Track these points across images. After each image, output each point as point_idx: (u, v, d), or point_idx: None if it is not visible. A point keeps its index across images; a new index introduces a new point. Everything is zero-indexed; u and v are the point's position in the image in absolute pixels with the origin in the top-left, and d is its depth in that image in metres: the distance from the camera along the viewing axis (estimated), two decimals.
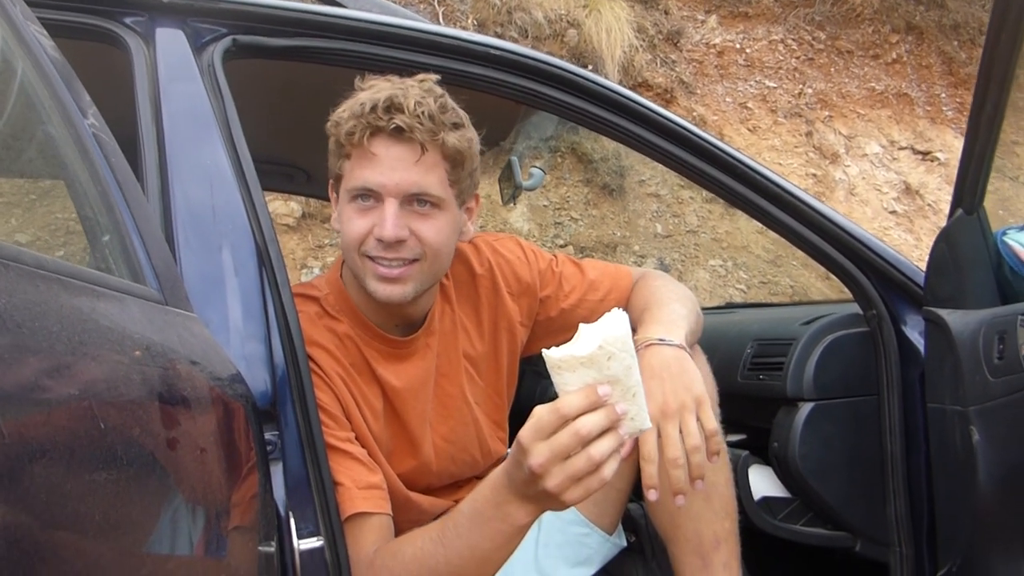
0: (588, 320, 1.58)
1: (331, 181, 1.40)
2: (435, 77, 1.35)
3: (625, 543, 1.62)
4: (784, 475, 1.76)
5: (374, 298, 1.34)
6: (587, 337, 1.01)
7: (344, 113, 1.30)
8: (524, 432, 1.01)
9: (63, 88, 1.01)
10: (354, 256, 1.33)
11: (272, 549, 1.05)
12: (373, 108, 1.26)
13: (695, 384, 1.25)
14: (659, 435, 1.20)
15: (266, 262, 1.21)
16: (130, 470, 0.70)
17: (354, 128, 1.27)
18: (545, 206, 6.10)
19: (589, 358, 0.99)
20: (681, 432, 1.20)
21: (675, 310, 1.43)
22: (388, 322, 1.42)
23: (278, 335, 1.17)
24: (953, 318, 1.45)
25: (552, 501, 1.03)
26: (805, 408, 1.69)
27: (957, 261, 1.50)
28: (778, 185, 1.61)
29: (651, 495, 1.18)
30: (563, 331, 1.56)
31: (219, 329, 1.13)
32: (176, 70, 1.30)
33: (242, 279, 1.19)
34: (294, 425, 1.15)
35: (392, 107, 1.26)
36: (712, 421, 1.23)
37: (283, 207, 5.29)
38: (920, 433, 1.60)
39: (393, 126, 1.26)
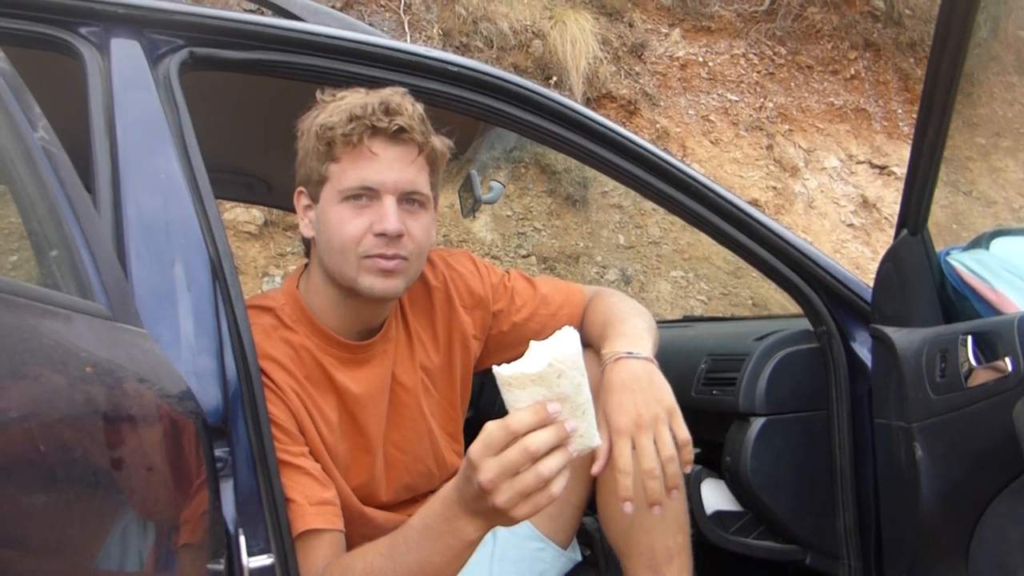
0: (540, 334, 1.59)
1: (303, 189, 1.41)
2: (404, 90, 1.39)
3: (580, 557, 1.63)
4: (736, 489, 1.78)
5: (368, 295, 1.35)
6: (538, 354, 1.02)
7: (334, 117, 1.32)
8: (474, 448, 1.02)
9: (12, 100, 0.99)
10: (348, 257, 1.34)
11: (221, 567, 1.05)
12: (372, 110, 1.31)
13: (665, 395, 1.29)
14: (633, 447, 1.23)
15: (220, 276, 1.20)
16: (72, 491, 0.69)
17: (353, 130, 1.30)
18: (508, 216, 6.11)
19: (539, 376, 1.00)
20: (655, 443, 1.23)
21: (637, 324, 1.46)
22: (351, 327, 1.43)
23: (231, 350, 1.17)
24: (898, 336, 1.48)
25: (501, 517, 1.04)
26: (757, 423, 1.71)
27: (902, 280, 1.53)
28: (731, 203, 1.63)
29: (627, 507, 1.21)
30: (515, 345, 1.58)
31: (170, 344, 1.12)
32: (131, 81, 1.28)
33: (195, 293, 1.18)
34: (245, 441, 1.15)
35: (390, 110, 1.32)
36: (684, 431, 1.27)
37: (245, 215, 5.24)
38: (869, 448, 1.63)
39: (396, 127, 1.31)
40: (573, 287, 1.67)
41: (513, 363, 1.02)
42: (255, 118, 1.87)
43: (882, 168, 8.34)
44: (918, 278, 1.51)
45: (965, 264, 1.47)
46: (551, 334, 1.57)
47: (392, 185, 1.33)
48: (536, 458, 1.00)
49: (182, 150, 1.26)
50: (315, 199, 1.39)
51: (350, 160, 1.33)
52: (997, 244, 1.53)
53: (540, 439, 0.99)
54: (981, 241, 1.54)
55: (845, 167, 8.24)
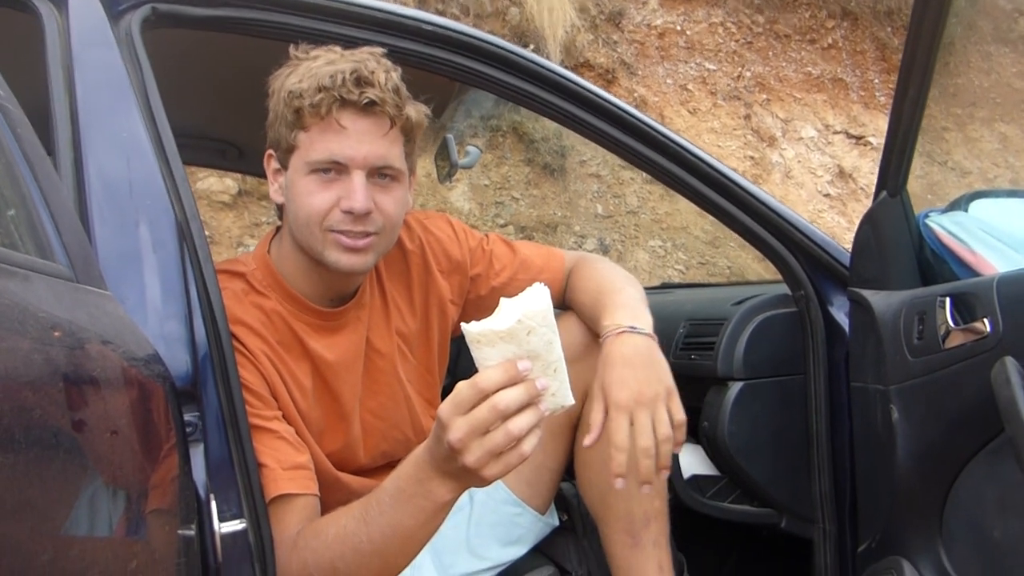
0: None
1: (272, 152, 1.37)
2: (381, 50, 1.35)
3: (557, 522, 1.63)
4: (713, 453, 1.78)
5: (334, 269, 1.33)
6: (507, 311, 1.00)
7: (303, 84, 1.27)
8: (443, 407, 1.01)
9: None
10: (313, 230, 1.32)
11: (192, 532, 1.03)
12: (343, 81, 1.25)
13: (666, 375, 1.28)
14: (631, 423, 1.23)
15: (187, 238, 1.17)
16: (30, 453, 0.67)
17: (321, 100, 1.26)
18: (486, 185, 6.07)
19: (508, 332, 0.98)
20: (653, 422, 1.23)
21: (633, 295, 1.44)
22: (323, 295, 1.41)
23: (199, 313, 1.14)
24: (876, 299, 1.48)
25: (472, 477, 1.02)
26: (734, 387, 1.72)
27: (881, 243, 1.53)
28: (712, 167, 1.62)
29: (619, 483, 1.21)
30: (494, 310, 1.55)
31: (136, 308, 1.09)
32: (91, 38, 1.23)
33: (161, 256, 1.14)
34: (216, 405, 1.12)
35: (361, 80, 1.26)
36: (680, 412, 1.26)
37: (218, 184, 5.16)
38: (845, 412, 1.63)
39: (366, 100, 1.26)
40: (554, 251, 1.64)
41: (482, 320, 1.00)
42: (224, 79, 1.82)
43: (859, 138, 8.37)
44: (896, 240, 1.51)
45: (943, 226, 1.47)
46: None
47: (361, 160, 1.29)
48: (506, 416, 0.98)
49: (146, 109, 1.22)
50: (284, 165, 1.35)
51: (318, 131, 1.29)
52: (976, 206, 1.53)
53: (509, 397, 0.98)
54: (960, 203, 1.53)
55: (822, 137, 8.26)
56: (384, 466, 1.54)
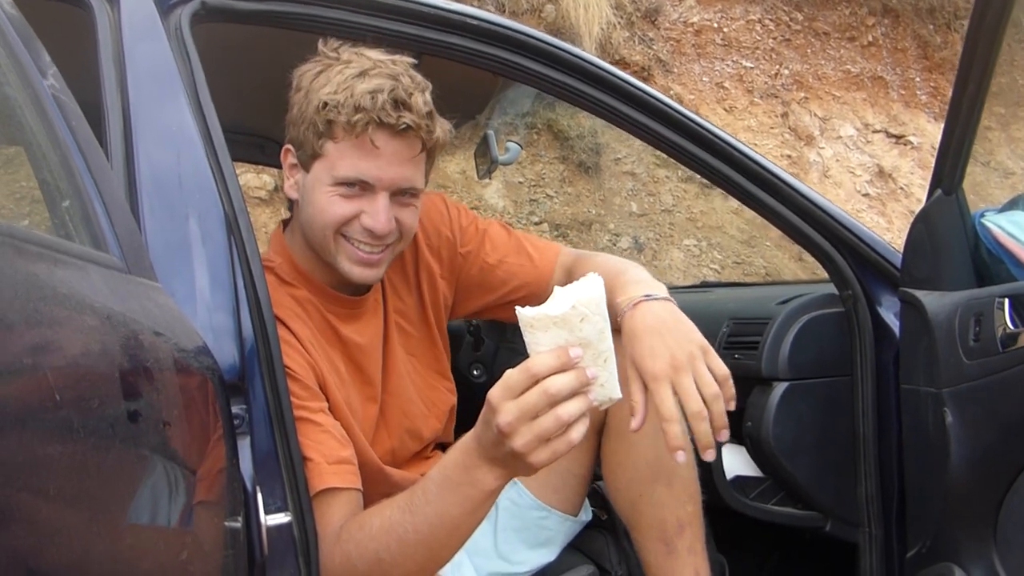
0: (507, 282, 1.57)
1: (293, 149, 1.37)
2: (412, 60, 1.35)
3: (589, 518, 1.61)
4: (757, 455, 1.76)
5: (347, 277, 1.36)
6: (561, 298, 1.00)
7: (339, 97, 1.27)
8: (494, 391, 1.00)
9: (21, 47, 0.96)
10: (327, 234, 1.33)
11: (239, 524, 1.03)
12: (382, 104, 1.26)
13: (694, 332, 1.21)
14: (674, 391, 1.16)
15: (235, 232, 1.17)
16: (87, 442, 0.67)
17: (359, 120, 1.26)
18: (520, 183, 6.06)
19: (562, 318, 0.98)
20: (697, 383, 1.16)
21: (639, 273, 1.40)
22: (341, 284, 1.43)
23: (247, 307, 1.14)
24: (929, 299, 1.45)
25: (519, 463, 1.01)
26: (779, 388, 1.69)
27: (935, 242, 1.50)
28: (756, 162, 1.60)
29: (680, 456, 1.14)
30: (484, 289, 1.58)
31: (185, 300, 1.09)
32: (141, 32, 1.24)
33: (209, 249, 1.15)
34: (263, 398, 1.12)
35: (399, 103, 1.27)
36: (722, 365, 1.19)
37: (255, 180, 5.21)
38: (893, 414, 1.60)
39: (403, 125, 1.27)
40: (552, 244, 1.64)
41: (537, 306, 1.00)
42: (268, 75, 1.81)
43: (899, 137, 8.24)
44: (951, 239, 1.47)
45: (1000, 226, 1.43)
46: (521, 283, 1.56)
47: (389, 182, 1.30)
48: (555, 402, 0.97)
49: (195, 103, 1.23)
50: (304, 167, 1.36)
51: (349, 147, 1.29)
52: None
53: (560, 382, 0.97)
54: (1018, 203, 1.49)
55: (861, 136, 8.14)
56: (417, 456, 1.54)
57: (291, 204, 1.45)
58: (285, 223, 1.49)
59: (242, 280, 1.15)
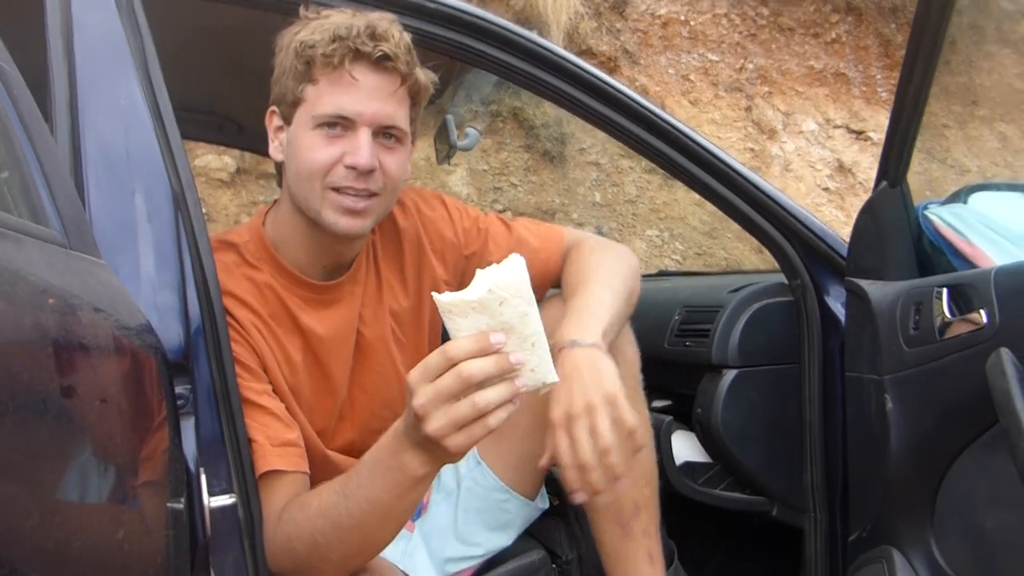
0: None
1: (275, 109, 1.36)
2: (392, 16, 1.33)
3: (547, 506, 1.63)
4: (706, 441, 1.78)
5: (331, 230, 1.31)
6: (479, 281, 0.98)
7: (316, 35, 1.26)
8: (412, 373, 1.00)
9: None
10: (315, 186, 1.30)
11: (181, 505, 1.02)
12: (358, 33, 1.25)
13: (606, 382, 1.19)
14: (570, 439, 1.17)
15: (182, 208, 1.15)
16: (18, 416, 0.66)
17: (334, 50, 1.25)
18: (484, 170, 6.05)
19: (479, 302, 0.96)
20: (593, 434, 1.16)
21: (600, 298, 1.37)
22: (317, 263, 1.40)
23: (193, 285, 1.13)
24: (873, 288, 1.48)
25: (438, 448, 1.01)
26: (729, 375, 1.71)
27: (880, 233, 1.52)
28: (712, 154, 1.61)
29: (577, 497, 1.17)
30: None
31: (130, 277, 1.08)
32: (90, 2, 1.22)
33: (156, 225, 1.13)
34: (208, 379, 1.11)
35: (376, 35, 1.26)
36: (629, 418, 1.18)
37: (216, 162, 5.14)
38: (838, 402, 1.63)
39: (379, 53, 1.25)
40: (553, 230, 1.60)
41: (455, 292, 0.99)
42: (225, 52, 1.80)
43: (859, 133, 8.34)
44: (895, 231, 1.50)
45: (942, 218, 1.46)
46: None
47: (370, 117, 1.28)
48: (472, 387, 0.97)
49: (145, 77, 1.20)
50: (287, 121, 1.34)
51: (328, 84, 1.27)
52: (975, 199, 1.52)
53: (476, 367, 0.96)
54: (959, 195, 1.53)
55: (823, 131, 8.23)
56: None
57: (279, 174, 1.42)
58: (276, 201, 1.46)
59: (189, 258, 1.14)
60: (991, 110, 8.89)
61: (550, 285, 1.57)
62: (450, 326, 0.99)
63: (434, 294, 0.99)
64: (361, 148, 1.27)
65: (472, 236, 1.56)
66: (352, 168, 1.28)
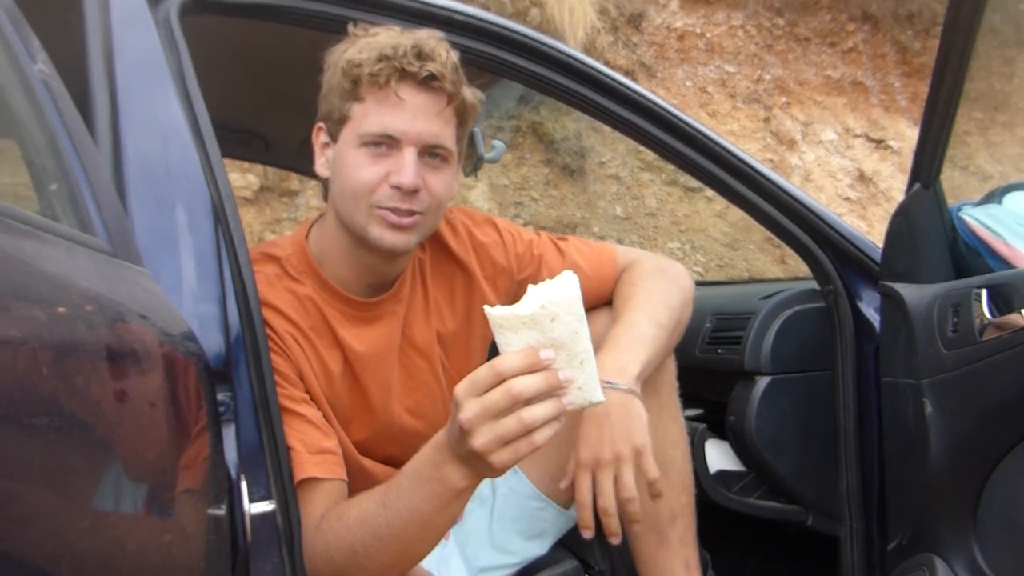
0: None
1: (323, 125, 1.36)
2: (440, 34, 1.34)
3: None
4: (740, 449, 1.77)
5: (377, 246, 1.31)
6: (532, 297, 0.98)
7: (363, 54, 1.27)
8: (459, 387, 0.99)
9: (11, 31, 0.96)
10: (360, 203, 1.30)
11: (222, 512, 1.03)
12: (404, 52, 1.25)
13: (637, 433, 1.24)
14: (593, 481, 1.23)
15: (222, 220, 1.17)
16: (73, 419, 0.67)
17: (381, 70, 1.25)
18: (505, 185, 6.07)
19: (531, 318, 0.96)
20: (616, 482, 1.22)
21: (642, 333, 1.37)
22: (360, 280, 1.39)
23: (233, 295, 1.14)
24: (908, 292, 1.46)
25: (481, 463, 1.01)
26: (762, 382, 1.70)
27: (914, 235, 1.51)
28: (739, 159, 1.61)
29: (585, 534, 1.23)
30: None
31: (171, 287, 1.09)
32: (129, 21, 1.24)
33: (196, 237, 1.15)
34: (248, 387, 1.12)
35: (423, 54, 1.26)
36: (652, 470, 1.24)
37: (240, 179, 5.18)
38: (873, 408, 1.62)
39: (426, 73, 1.25)
40: (605, 252, 1.58)
41: (507, 306, 0.98)
42: (256, 69, 1.83)
43: (879, 142, 8.31)
44: (930, 233, 1.49)
45: (978, 219, 1.45)
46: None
47: (415, 136, 1.28)
48: (520, 403, 0.96)
49: (183, 92, 1.23)
50: (334, 138, 1.34)
51: (374, 103, 1.28)
52: (1010, 199, 1.51)
53: (525, 383, 0.96)
54: (994, 196, 1.52)
55: (842, 140, 8.21)
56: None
57: (326, 190, 1.42)
58: (322, 215, 1.45)
59: (229, 269, 1.15)
60: (1012, 116, 8.81)
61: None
62: (500, 340, 0.98)
63: (486, 307, 0.99)
64: (406, 168, 1.27)
65: (525, 261, 1.54)
66: (397, 188, 1.27)
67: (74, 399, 0.68)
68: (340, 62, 1.30)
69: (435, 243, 1.49)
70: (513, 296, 1.54)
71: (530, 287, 1.01)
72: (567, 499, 1.56)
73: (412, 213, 1.30)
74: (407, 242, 1.32)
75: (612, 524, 1.21)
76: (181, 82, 1.23)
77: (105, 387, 0.74)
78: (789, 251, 1.80)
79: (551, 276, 1.51)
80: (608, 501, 1.21)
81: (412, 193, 1.28)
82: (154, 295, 0.97)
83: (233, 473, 1.08)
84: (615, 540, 1.24)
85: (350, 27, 1.33)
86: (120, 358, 0.79)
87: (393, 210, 1.29)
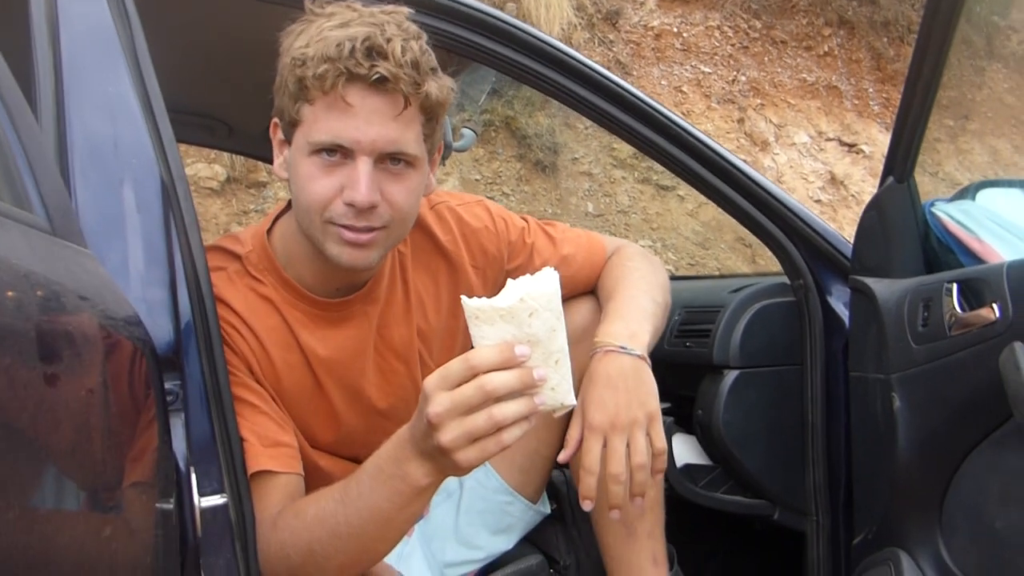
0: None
1: (278, 123, 1.24)
2: (406, 10, 1.20)
3: (548, 510, 1.60)
4: (707, 443, 1.75)
5: (335, 262, 1.21)
6: (511, 290, 0.95)
7: (310, 50, 1.12)
8: (429, 379, 0.95)
9: None
10: (315, 220, 1.19)
11: (171, 506, 0.98)
12: (351, 51, 1.10)
13: (650, 399, 1.21)
14: (604, 446, 1.17)
15: (173, 201, 1.12)
16: None
17: (326, 72, 1.11)
18: (477, 180, 6.04)
19: (509, 311, 0.93)
20: (629, 447, 1.17)
21: (643, 307, 1.35)
22: (328, 284, 1.30)
23: (184, 280, 1.09)
24: (879, 286, 1.45)
25: (447, 460, 0.96)
26: (730, 376, 1.69)
27: (886, 229, 1.50)
28: (713, 150, 1.60)
29: (586, 505, 1.17)
30: None
31: (118, 270, 1.05)
32: None
33: (145, 219, 1.10)
34: (199, 375, 1.08)
35: (373, 51, 1.11)
36: (662, 439, 1.19)
37: (207, 170, 5.10)
38: (841, 403, 1.61)
39: (376, 75, 1.11)
40: (594, 242, 1.53)
41: (485, 298, 0.95)
42: (218, 52, 1.77)
43: (851, 146, 8.37)
44: (902, 227, 1.48)
45: (950, 214, 1.44)
46: (567, 296, 1.49)
47: (369, 145, 1.14)
48: (492, 400, 0.92)
49: (134, 67, 1.17)
50: (288, 139, 1.22)
51: (323, 107, 1.14)
52: (983, 195, 1.50)
53: (499, 380, 0.92)
54: (967, 192, 1.51)
55: (815, 143, 8.27)
56: None
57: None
58: (290, 203, 1.34)
59: (180, 253, 1.10)
60: (982, 124, 8.94)
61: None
62: (475, 333, 0.95)
63: (463, 297, 0.95)
64: (359, 183, 1.14)
65: (517, 249, 1.47)
66: (350, 205, 1.16)
67: None
68: (288, 56, 1.17)
69: (418, 233, 1.40)
70: (501, 286, 1.50)
71: (509, 281, 0.97)
72: (535, 494, 1.54)
73: (371, 229, 1.19)
74: (367, 259, 1.21)
75: (619, 493, 1.15)
76: (133, 55, 1.17)
77: (34, 370, 0.70)
78: (760, 251, 1.78)
79: (544, 265, 1.49)
80: (621, 467, 1.15)
81: (368, 210, 1.17)
82: (96, 276, 0.93)
83: (182, 465, 1.04)
84: (616, 514, 1.19)
85: (306, 3, 1.20)
86: (52, 340, 0.75)
87: (348, 227, 1.18)
